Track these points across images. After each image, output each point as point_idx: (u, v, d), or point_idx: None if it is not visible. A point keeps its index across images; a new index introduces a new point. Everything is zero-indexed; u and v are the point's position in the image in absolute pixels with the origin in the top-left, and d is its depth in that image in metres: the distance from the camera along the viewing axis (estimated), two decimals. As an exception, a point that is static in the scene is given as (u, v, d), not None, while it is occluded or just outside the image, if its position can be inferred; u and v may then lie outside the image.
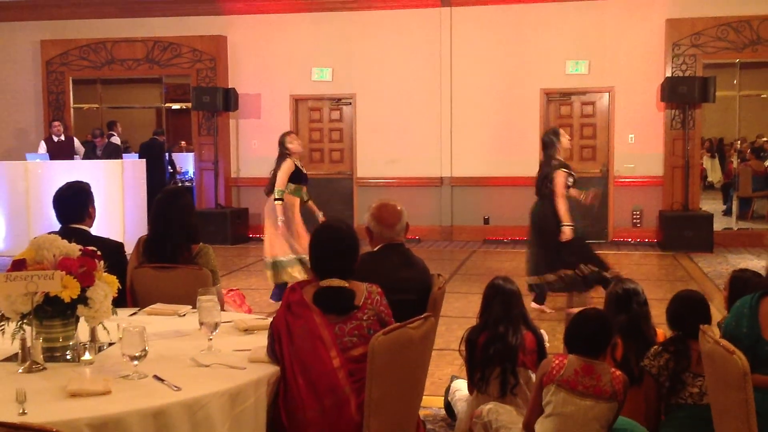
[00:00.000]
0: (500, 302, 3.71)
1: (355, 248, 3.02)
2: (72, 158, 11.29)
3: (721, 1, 10.73)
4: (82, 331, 2.93)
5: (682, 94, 10.38)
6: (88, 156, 11.57)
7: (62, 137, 11.52)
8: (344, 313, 2.87)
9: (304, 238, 6.99)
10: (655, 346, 3.36)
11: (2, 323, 2.84)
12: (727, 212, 12.64)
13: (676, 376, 3.23)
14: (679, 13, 10.82)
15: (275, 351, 2.83)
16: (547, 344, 3.85)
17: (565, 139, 6.92)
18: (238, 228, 11.48)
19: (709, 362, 2.80)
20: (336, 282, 2.91)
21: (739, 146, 12.80)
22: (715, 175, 14.90)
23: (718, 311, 6.65)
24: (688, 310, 3.38)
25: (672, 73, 10.80)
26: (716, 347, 2.71)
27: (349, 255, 2.99)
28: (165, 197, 4.18)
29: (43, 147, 11.39)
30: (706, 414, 2.98)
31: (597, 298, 6.41)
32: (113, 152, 11.79)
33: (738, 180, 12.53)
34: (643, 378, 3.36)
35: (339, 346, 2.82)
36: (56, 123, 11.53)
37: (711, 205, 12.54)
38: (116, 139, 12.56)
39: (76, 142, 11.78)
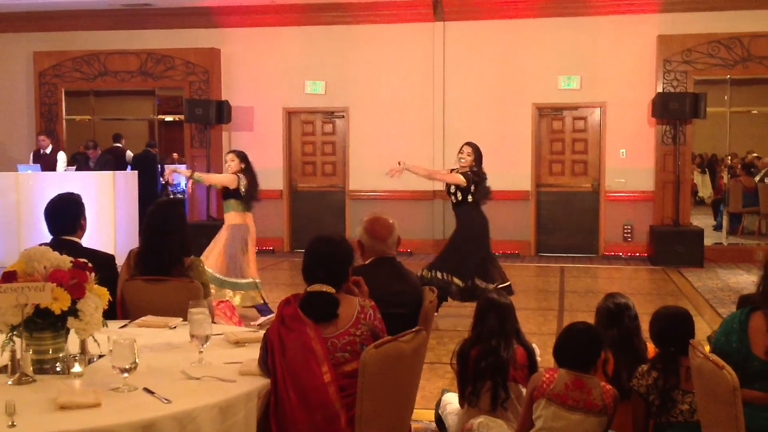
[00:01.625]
0: (495, 316, 3.71)
1: (345, 260, 3.02)
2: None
3: (712, 18, 10.82)
4: (72, 343, 2.92)
5: (674, 110, 10.43)
6: (80, 168, 11.54)
7: (48, 150, 11.49)
8: (327, 319, 2.86)
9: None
10: (642, 365, 3.32)
11: (-8, 335, 2.83)
12: (718, 227, 12.69)
13: (666, 394, 3.19)
14: (670, 30, 10.90)
15: (267, 363, 2.83)
16: (539, 358, 3.85)
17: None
18: (229, 240, 11.44)
19: (699, 377, 2.81)
20: (322, 287, 2.92)
21: (729, 162, 12.88)
22: (705, 191, 14.98)
23: (708, 326, 6.69)
24: (676, 326, 3.35)
25: (663, 89, 10.87)
26: (706, 362, 2.72)
27: (338, 265, 2.99)
28: (160, 209, 4.17)
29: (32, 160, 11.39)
30: (697, 431, 2.98)
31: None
32: (107, 164, 11.78)
33: (728, 195, 12.59)
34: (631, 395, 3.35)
35: (331, 361, 2.82)
36: (42, 137, 11.49)
37: (701, 220, 12.60)
38: (129, 154, 12.61)
39: (60, 155, 11.67)
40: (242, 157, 7.31)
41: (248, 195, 7.13)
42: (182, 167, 7.23)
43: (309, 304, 2.89)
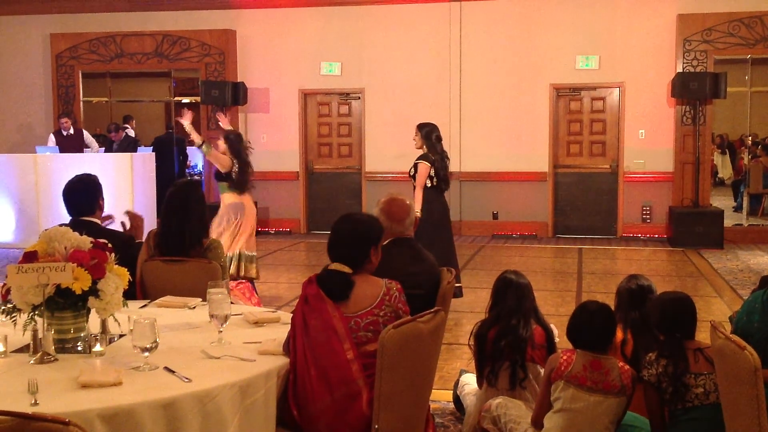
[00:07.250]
0: (513, 295, 3.70)
1: (365, 239, 3.01)
2: (82, 151, 11.31)
3: (732, -3, 10.68)
4: (93, 322, 2.94)
5: (693, 90, 10.32)
6: (107, 151, 11.62)
7: (71, 131, 11.54)
8: (339, 298, 2.87)
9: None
10: (650, 354, 3.25)
11: (14, 314, 2.86)
12: (738, 208, 12.58)
13: (678, 380, 3.14)
14: (690, 9, 10.76)
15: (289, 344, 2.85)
16: (557, 339, 3.84)
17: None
18: (246, 222, 11.49)
19: (720, 358, 2.79)
20: (338, 267, 2.93)
21: (750, 142, 12.73)
22: (725, 172, 14.82)
23: (728, 308, 6.65)
24: (681, 310, 3.29)
25: (683, 68, 10.75)
26: (727, 343, 2.69)
27: (356, 245, 2.99)
28: (180, 190, 4.18)
29: (52, 140, 11.42)
30: (713, 413, 2.96)
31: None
32: (129, 146, 11.82)
33: (749, 176, 12.46)
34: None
35: (354, 340, 2.83)
36: (64, 120, 11.50)
37: (721, 201, 12.48)
38: (131, 132, 12.65)
39: (86, 134, 11.81)
40: (232, 140, 7.14)
41: (239, 181, 7.03)
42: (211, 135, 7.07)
43: (324, 282, 2.90)
